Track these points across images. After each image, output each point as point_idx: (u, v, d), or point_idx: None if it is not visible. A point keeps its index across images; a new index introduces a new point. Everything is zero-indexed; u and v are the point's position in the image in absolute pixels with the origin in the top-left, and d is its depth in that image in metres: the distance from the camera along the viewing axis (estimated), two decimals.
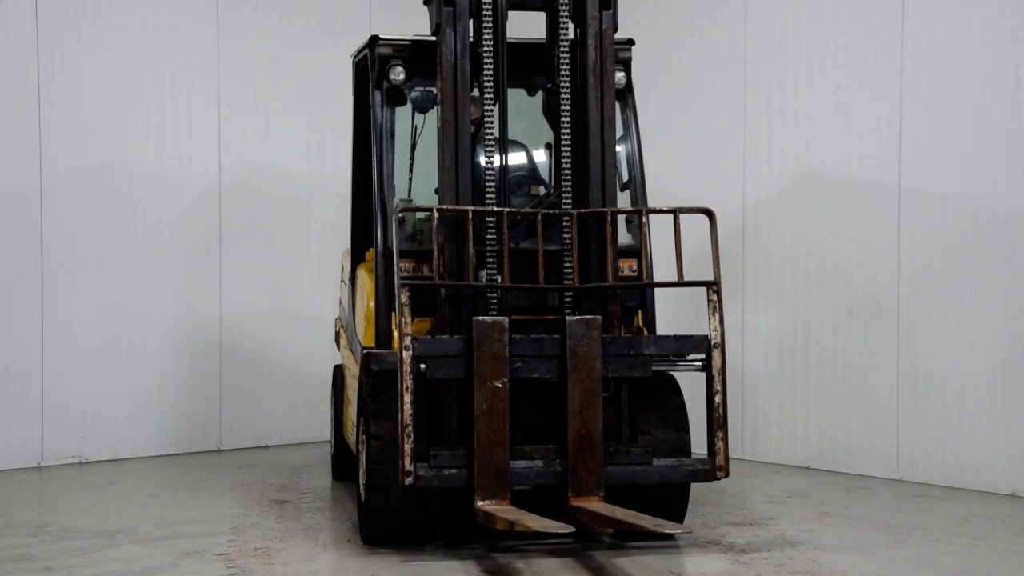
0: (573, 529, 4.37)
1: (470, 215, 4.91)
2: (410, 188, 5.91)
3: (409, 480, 4.54)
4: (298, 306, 8.43)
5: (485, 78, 5.08)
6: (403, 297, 4.63)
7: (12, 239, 7.21)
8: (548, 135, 5.83)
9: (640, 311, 5.45)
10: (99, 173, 7.58)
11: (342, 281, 7.04)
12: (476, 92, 5.19)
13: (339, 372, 7.00)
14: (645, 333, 5.45)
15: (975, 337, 6.55)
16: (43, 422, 7.36)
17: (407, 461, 4.52)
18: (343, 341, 6.83)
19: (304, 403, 8.34)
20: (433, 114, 5.65)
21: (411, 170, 5.90)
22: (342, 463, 6.69)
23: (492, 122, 5.10)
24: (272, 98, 8.32)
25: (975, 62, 6.58)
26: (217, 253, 8.10)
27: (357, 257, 6.39)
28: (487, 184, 5.08)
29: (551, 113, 5.69)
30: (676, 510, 5.16)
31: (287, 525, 5.79)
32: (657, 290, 5.57)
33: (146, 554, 5.08)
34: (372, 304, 5.47)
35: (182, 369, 7.99)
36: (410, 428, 4.53)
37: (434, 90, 5.48)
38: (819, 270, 7.42)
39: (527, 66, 5.52)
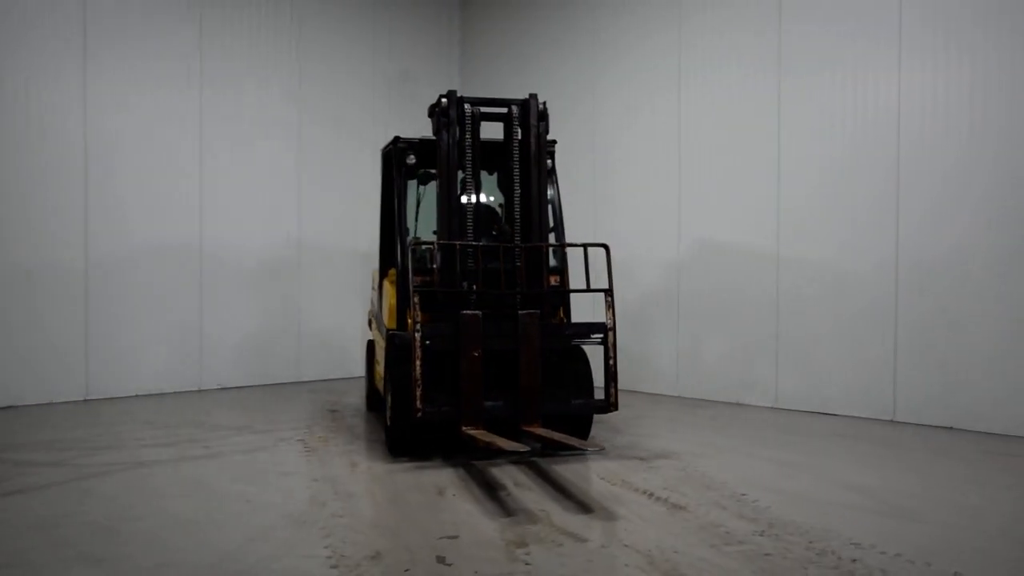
0: (529, 448, 5.53)
1: (458, 247, 6.30)
2: (416, 230, 7.50)
3: (419, 415, 5.76)
4: (343, 304, 11.04)
5: (467, 163, 6.46)
6: (416, 299, 5.91)
7: (182, 265, 9.76)
8: (501, 198, 7.23)
9: (562, 307, 6.83)
10: (234, 233, 10.11)
11: (372, 288, 8.58)
12: (461, 172, 6.52)
13: (370, 344, 8.47)
14: (565, 321, 6.80)
15: (824, 341, 8.32)
16: (201, 362, 9.84)
17: (418, 402, 5.74)
18: (374, 325, 8.28)
19: (345, 355, 11.12)
20: (430, 185, 7.24)
21: (416, 219, 7.45)
22: (372, 400, 8.25)
23: (471, 189, 6.48)
24: (330, 182, 11.00)
25: (827, 162, 8.12)
26: (297, 274, 10.61)
27: (383, 273, 7.71)
28: (468, 227, 6.43)
29: (503, 185, 7.11)
30: (585, 430, 6.65)
31: (337, 424, 7.72)
32: (573, 293, 6.87)
33: (259, 439, 7.05)
34: (394, 303, 6.82)
35: (279, 334, 10.54)
36: (419, 382, 5.73)
37: (432, 171, 7.00)
38: (719, 301, 9.07)
39: (491, 155, 6.90)
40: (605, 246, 6.38)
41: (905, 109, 7.66)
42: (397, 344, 6.29)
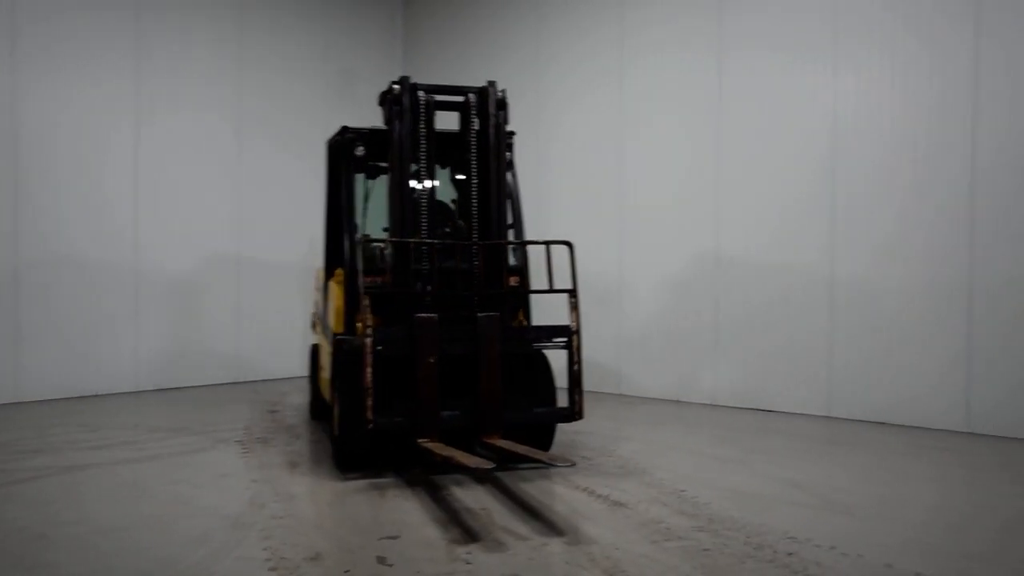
0: (494, 465, 4.91)
1: (412, 245, 5.82)
2: (363, 227, 6.95)
3: (371, 426, 5.29)
4: (283, 304, 10.92)
5: (421, 154, 6.01)
6: (366, 301, 5.39)
7: (118, 265, 9.47)
8: (453, 193, 6.95)
9: (521, 309, 6.40)
10: (172, 232, 10.00)
11: (316, 289, 8.09)
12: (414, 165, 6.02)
13: (315, 349, 8.07)
14: (525, 323, 6.37)
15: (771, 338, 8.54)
16: (138, 363, 9.61)
17: (369, 413, 5.26)
18: (318, 328, 7.80)
19: (285, 355, 11.02)
20: (378, 180, 6.86)
21: (364, 216, 6.95)
22: (317, 407, 7.81)
23: (425, 183, 6.00)
24: (270, 182, 10.82)
25: (772, 165, 8.29)
26: (236, 273, 10.54)
27: (328, 273, 7.27)
28: (422, 223, 5.96)
29: (456, 179, 6.84)
30: (547, 440, 6.27)
31: (277, 425, 7.71)
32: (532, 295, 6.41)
33: (197, 440, 6.96)
34: (342, 305, 6.34)
35: (217, 334, 10.37)
36: (371, 390, 5.25)
37: (381, 164, 6.49)
38: (659, 298, 9.20)
39: (444, 147, 6.42)
40: (568, 244, 5.91)
41: (840, 100, 7.84)
42: (346, 350, 5.89)
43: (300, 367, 10.83)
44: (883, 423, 7.56)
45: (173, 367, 9.97)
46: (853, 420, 7.73)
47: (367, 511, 4.99)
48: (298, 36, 11.23)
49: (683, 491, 5.39)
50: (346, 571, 4.00)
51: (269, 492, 5.40)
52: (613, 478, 5.72)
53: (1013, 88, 6.91)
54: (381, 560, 4.14)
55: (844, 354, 7.83)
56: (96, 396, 9.27)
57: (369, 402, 5.25)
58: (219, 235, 10.43)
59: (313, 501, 5.29)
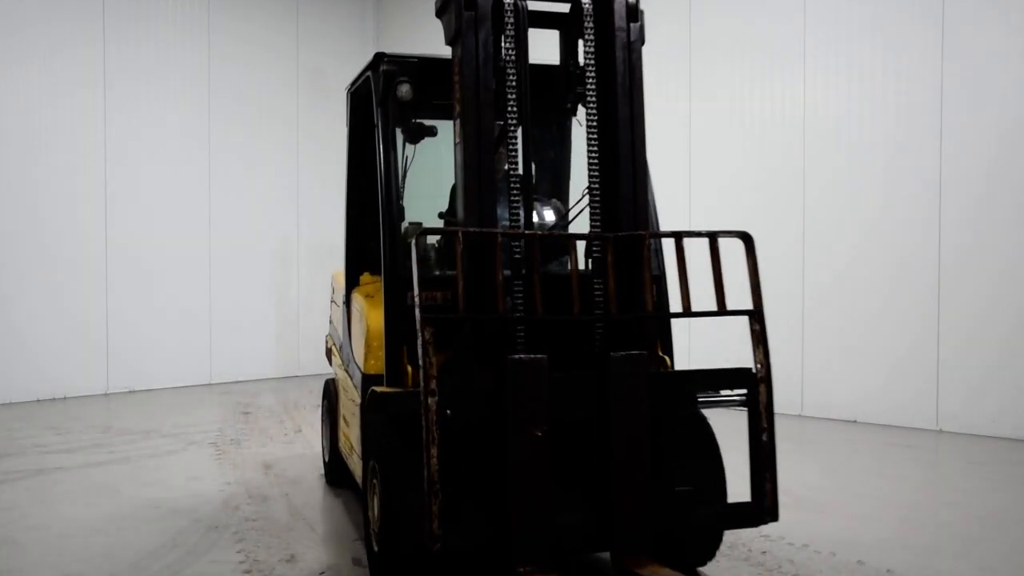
0: None
1: (499, 239, 3.55)
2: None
3: (437, 547, 3.17)
4: (255, 304, 10.76)
5: (508, 89, 3.76)
6: (427, 334, 3.22)
7: (86, 263, 9.39)
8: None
9: (659, 340, 4.07)
10: (142, 229, 9.70)
11: (333, 302, 5.99)
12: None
13: (332, 385, 5.85)
14: (669, 364, 4.13)
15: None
16: (108, 365, 9.49)
17: (435, 524, 3.15)
18: (336, 360, 5.68)
19: (257, 356, 10.73)
20: (421, 145, 4.67)
21: (401, 198, 4.60)
22: (334, 468, 5.61)
23: (516, 140, 3.79)
24: (240, 179, 10.63)
25: (738, 158, 8.36)
26: (207, 272, 10.37)
27: (352, 280, 5.19)
28: (512, 205, 3.75)
29: (540, 139, 4.91)
30: (708, 548, 4.06)
31: (249, 427, 7.64)
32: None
33: (168, 443, 6.88)
34: (379, 331, 4.20)
35: (188, 335, 10.17)
36: (437, 487, 3.15)
37: (425, 123, 4.55)
38: None
39: (538, 88, 3.99)
40: (745, 236, 3.80)
41: (810, 98, 7.93)
42: (389, 413, 3.84)
43: (272, 369, 10.71)
44: (855, 421, 7.64)
45: (144, 368, 9.78)
46: (826, 419, 7.80)
47: (343, 513, 4.99)
48: (267, 28, 11.06)
49: None
50: (321, 573, 4.00)
51: (243, 494, 5.37)
52: None
53: (976, 93, 7.01)
54: (356, 561, 4.15)
55: (816, 353, 7.89)
56: (65, 399, 9.12)
57: (435, 508, 3.15)
58: (189, 237, 10.28)
59: (287, 503, 5.25)
